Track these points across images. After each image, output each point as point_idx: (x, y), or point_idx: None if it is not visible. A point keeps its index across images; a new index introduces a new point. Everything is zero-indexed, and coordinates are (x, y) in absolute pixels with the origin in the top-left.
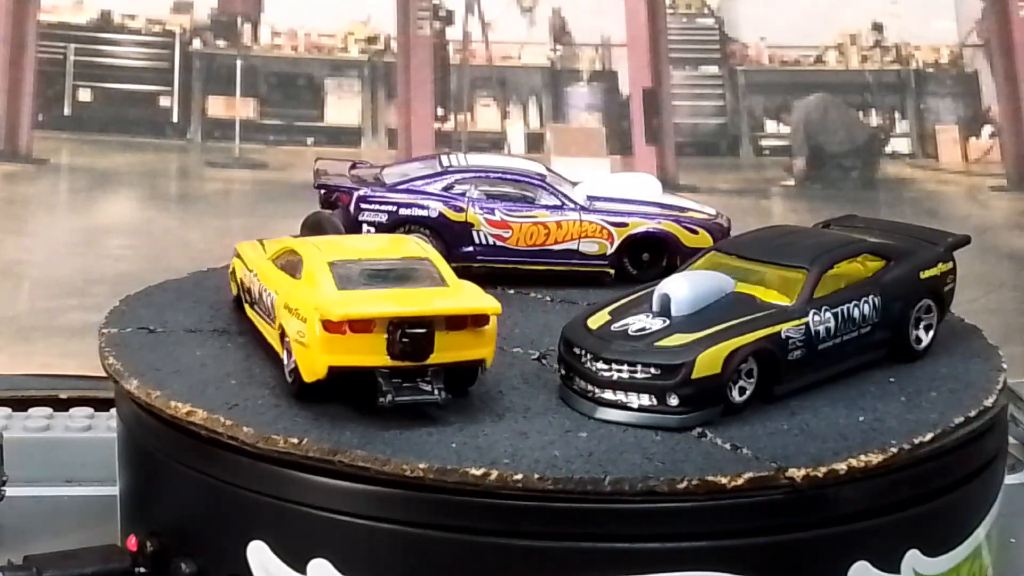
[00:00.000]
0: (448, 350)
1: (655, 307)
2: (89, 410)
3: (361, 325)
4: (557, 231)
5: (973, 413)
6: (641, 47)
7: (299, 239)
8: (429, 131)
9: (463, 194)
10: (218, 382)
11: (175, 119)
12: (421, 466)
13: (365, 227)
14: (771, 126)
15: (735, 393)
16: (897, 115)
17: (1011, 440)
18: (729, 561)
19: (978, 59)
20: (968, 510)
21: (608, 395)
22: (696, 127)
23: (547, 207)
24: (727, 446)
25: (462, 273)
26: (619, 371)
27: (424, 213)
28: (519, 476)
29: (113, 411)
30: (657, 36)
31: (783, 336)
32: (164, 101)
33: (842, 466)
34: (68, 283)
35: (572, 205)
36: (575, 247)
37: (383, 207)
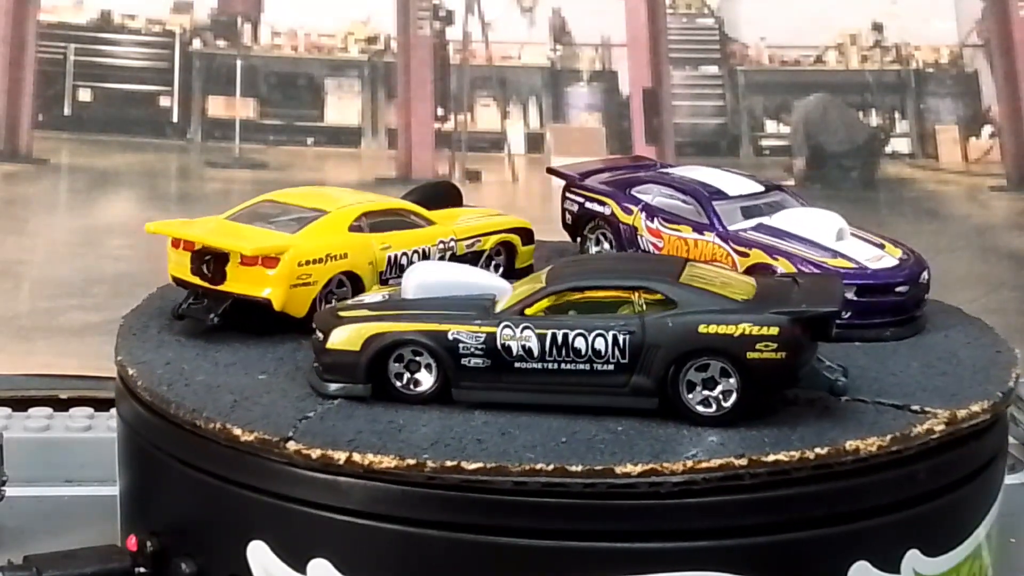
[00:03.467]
0: (239, 282)
1: None
2: (89, 410)
3: (186, 245)
4: (695, 250)
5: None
6: (641, 47)
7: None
8: (429, 131)
9: (638, 198)
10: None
11: (175, 119)
12: (132, 372)
13: (567, 215)
14: (771, 126)
15: (408, 383)
16: (897, 115)
17: (1011, 440)
18: (729, 561)
19: (978, 59)
20: (968, 510)
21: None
22: (696, 127)
23: (695, 224)
24: (309, 415)
25: None
26: (314, 332)
27: (601, 210)
28: (134, 374)
29: (113, 411)
30: (657, 36)
31: (450, 337)
32: (164, 101)
33: (342, 456)
34: (68, 283)
35: (717, 228)
36: None
37: (575, 198)
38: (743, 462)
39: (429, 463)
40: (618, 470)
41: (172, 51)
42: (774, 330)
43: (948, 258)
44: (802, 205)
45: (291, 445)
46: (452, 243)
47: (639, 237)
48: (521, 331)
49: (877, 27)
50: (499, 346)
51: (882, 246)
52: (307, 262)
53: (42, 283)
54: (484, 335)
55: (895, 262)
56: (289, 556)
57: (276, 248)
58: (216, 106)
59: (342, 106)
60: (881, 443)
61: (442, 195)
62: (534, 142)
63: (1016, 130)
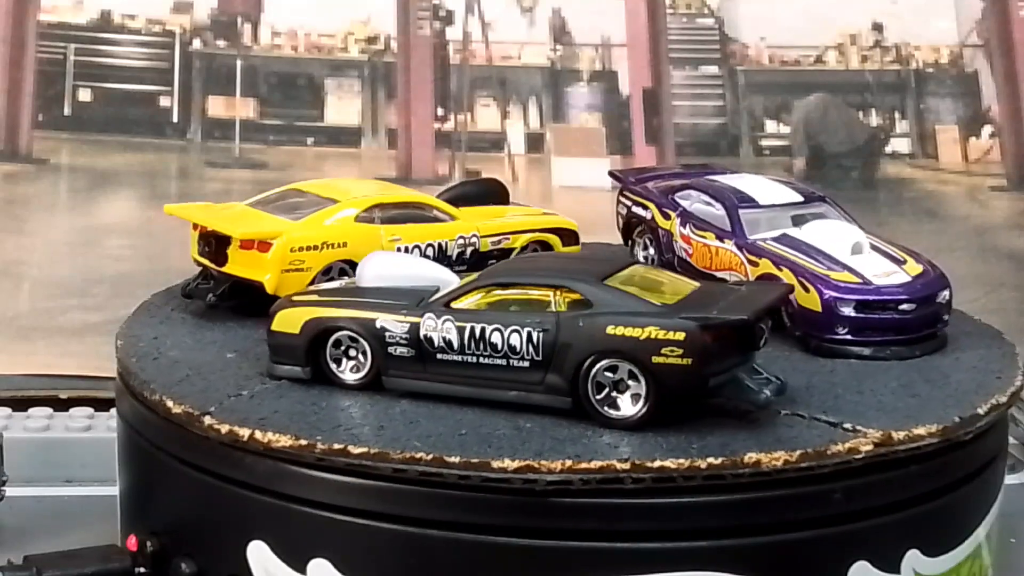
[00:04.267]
0: (238, 264)
1: None
2: (89, 410)
3: (200, 228)
4: (716, 257)
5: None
6: (641, 47)
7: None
8: (429, 131)
9: (677, 204)
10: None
11: (175, 119)
12: (119, 344)
13: (619, 218)
14: (771, 126)
15: (346, 369)
16: (897, 115)
17: (1011, 440)
18: (729, 561)
19: (978, 59)
20: (968, 510)
21: None
22: (696, 127)
23: (718, 231)
24: (242, 393)
25: None
26: None
27: (643, 213)
28: (119, 346)
29: (113, 411)
30: (657, 36)
31: (378, 326)
32: (164, 101)
33: (246, 434)
34: (68, 283)
35: (737, 236)
36: (727, 277)
37: (625, 202)
38: (626, 466)
39: (319, 444)
40: (495, 464)
41: (172, 51)
42: (680, 335)
43: (948, 258)
44: (843, 216)
45: (207, 420)
46: (474, 239)
47: (674, 243)
48: (442, 323)
49: (877, 27)
50: (422, 336)
51: (903, 262)
52: (300, 248)
53: (42, 283)
54: (408, 325)
55: (907, 279)
56: (289, 556)
57: (269, 234)
58: (216, 106)
59: (342, 106)
60: (788, 458)
61: (484, 193)
62: (534, 142)
63: (1016, 130)
